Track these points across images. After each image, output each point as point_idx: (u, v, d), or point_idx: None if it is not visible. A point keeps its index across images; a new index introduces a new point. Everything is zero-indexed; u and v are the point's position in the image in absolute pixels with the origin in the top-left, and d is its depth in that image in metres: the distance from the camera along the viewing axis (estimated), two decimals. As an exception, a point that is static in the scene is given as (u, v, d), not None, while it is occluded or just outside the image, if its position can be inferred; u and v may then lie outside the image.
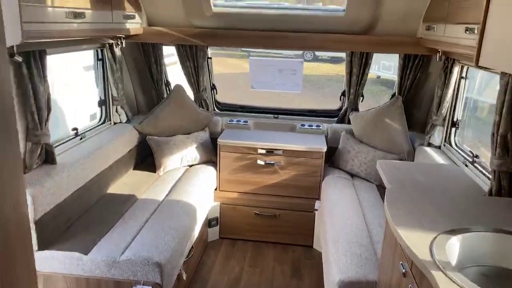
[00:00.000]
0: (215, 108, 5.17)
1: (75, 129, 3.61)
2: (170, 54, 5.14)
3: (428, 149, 3.93)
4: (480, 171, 3.00)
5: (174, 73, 5.16)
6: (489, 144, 2.55)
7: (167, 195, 3.80)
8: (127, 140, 4.12)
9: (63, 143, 3.43)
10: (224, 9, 4.02)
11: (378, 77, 11.22)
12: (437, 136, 3.92)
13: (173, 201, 3.65)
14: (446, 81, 3.70)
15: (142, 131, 4.33)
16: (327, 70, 13.82)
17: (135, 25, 3.90)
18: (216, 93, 5.12)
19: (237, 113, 5.13)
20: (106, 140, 3.77)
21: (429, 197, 2.44)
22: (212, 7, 3.96)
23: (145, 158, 4.53)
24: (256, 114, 5.11)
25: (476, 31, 2.39)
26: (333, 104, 5.09)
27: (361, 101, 4.73)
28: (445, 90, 3.72)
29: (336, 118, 4.98)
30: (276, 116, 5.05)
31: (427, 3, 3.66)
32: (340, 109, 5.04)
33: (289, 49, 4.05)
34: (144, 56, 4.64)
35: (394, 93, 4.73)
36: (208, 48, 4.71)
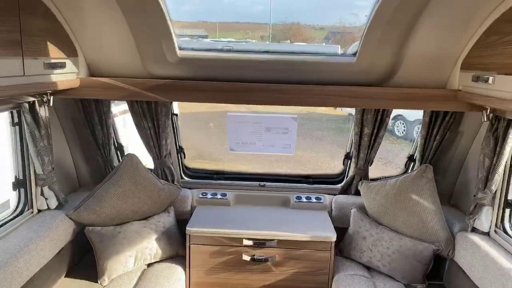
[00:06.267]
0: (183, 176, 4.00)
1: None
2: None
3: (473, 236, 2.91)
4: None
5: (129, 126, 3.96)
6: None
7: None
8: (57, 236, 2.86)
9: None
10: (194, 54, 2.95)
11: (350, 114, 10.57)
12: (484, 220, 2.91)
13: None
14: (498, 148, 2.74)
15: (78, 220, 3.07)
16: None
17: (67, 76, 2.75)
18: (184, 157, 3.97)
19: (212, 182, 3.97)
20: (21, 242, 2.55)
21: None
22: (178, 51, 2.88)
23: (84, 256, 3.26)
24: (236, 182, 3.97)
25: None
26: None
27: (370, 165, 3.71)
28: (497, 160, 2.75)
29: (338, 185, 3.94)
30: (262, 184, 3.94)
31: (465, 46, 2.74)
32: (342, 174, 4.00)
33: (281, 105, 2.93)
34: (84, 115, 3.45)
35: (411, 156, 3.75)
36: (173, 103, 3.60)
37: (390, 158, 7.86)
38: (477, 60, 2.62)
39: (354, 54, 2.92)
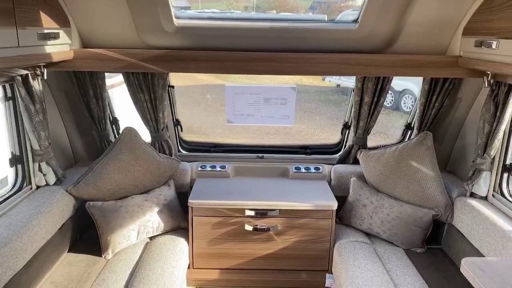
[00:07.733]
0: (180, 149, 3.96)
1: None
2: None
3: (471, 201, 2.97)
4: None
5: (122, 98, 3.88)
6: None
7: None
8: (58, 211, 2.82)
9: None
10: (192, 22, 2.85)
11: (338, 85, 10.62)
12: (482, 184, 2.98)
13: None
14: (498, 114, 2.77)
15: (79, 195, 3.03)
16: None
17: (60, 47, 2.64)
18: (181, 130, 3.92)
19: (210, 155, 3.95)
20: (23, 218, 2.52)
21: None
22: (175, 20, 2.78)
23: (85, 231, 3.24)
24: (234, 155, 3.96)
25: None
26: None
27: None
28: (497, 126, 2.78)
29: (336, 155, 3.95)
30: (260, 155, 3.93)
31: (467, 12, 2.71)
32: (339, 144, 4.01)
33: (282, 74, 2.89)
34: (78, 89, 3.35)
35: (409, 124, 3.77)
36: (169, 74, 3.52)
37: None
38: (480, 25, 2.60)
39: (355, 21, 2.87)
